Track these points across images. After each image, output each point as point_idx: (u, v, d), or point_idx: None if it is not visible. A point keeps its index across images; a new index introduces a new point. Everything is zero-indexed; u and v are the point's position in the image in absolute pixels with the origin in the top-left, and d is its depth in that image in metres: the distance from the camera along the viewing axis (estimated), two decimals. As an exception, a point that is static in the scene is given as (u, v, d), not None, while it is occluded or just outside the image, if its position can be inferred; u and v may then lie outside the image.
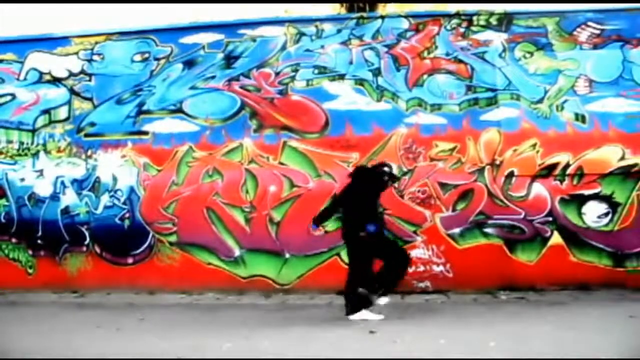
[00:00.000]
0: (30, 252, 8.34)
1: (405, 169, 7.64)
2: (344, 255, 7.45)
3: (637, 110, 7.46)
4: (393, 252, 6.22)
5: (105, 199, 8.23)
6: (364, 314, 6.00)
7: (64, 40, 8.56)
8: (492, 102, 7.66)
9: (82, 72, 8.45)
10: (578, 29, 7.68)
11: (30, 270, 8.34)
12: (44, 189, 8.38)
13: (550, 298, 6.93)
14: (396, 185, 7.35)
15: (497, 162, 7.57)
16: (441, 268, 7.48)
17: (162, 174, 8.11)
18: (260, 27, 8.17)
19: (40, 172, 8.42)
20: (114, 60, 8.39)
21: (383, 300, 6.10)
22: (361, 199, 6.14)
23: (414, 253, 7.47)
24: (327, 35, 8.03)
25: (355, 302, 6.04)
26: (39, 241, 8.31)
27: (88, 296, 7.88)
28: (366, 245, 6.01)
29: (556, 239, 7.40)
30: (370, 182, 6.29)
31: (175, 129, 8.14)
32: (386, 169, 6.40)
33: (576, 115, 7.54)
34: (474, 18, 7.83)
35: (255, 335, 5.52)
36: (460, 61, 7.78)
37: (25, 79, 8.59)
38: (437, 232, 7.56)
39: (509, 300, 6.96)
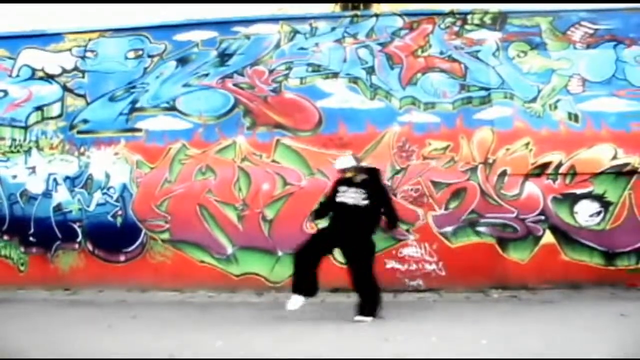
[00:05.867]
0: (22, 249, 8.29)
1: (398, 167, 7.65)
2: (336, 253, 7.49)
3: (630, 109, 7.49)
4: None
5: (97, 197, 8.19)
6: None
7: (57, 36, 8.49)
8: (486, 101, 7.67)
9: (75, 68, 8.40)
10: (572, 29, 7.70)
11: (21, 268, 8.29)
12: (36, 186, 8.33)
13: (542, 297, 6.95)
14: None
15: (490, 161, 7.58)
16: (433, 266, 7.49)
17: (155, 171, 8.08)
18: (254, 24, 8.15)
19: (33, 169, 8.37)
20: (107, 57, 8.34)
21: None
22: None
23: (407, 251, 7.50)
24: (321, 33, 8.02)
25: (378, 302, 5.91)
26: (30, 238, 8.26)
27: (80, 294, 7.86)
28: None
29: (548, 237, 7.41)
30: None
31: (169, 126, 8.10)
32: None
33: (569, 114, 7.55)
34: (468, 17, 7.83)
35: (247, 333, 5.51)
36: (454, 60, 7.78)
37: (17, 75, 8.52)
38: (429, 230, 7.56)
39: (501, 299, 6.98)
